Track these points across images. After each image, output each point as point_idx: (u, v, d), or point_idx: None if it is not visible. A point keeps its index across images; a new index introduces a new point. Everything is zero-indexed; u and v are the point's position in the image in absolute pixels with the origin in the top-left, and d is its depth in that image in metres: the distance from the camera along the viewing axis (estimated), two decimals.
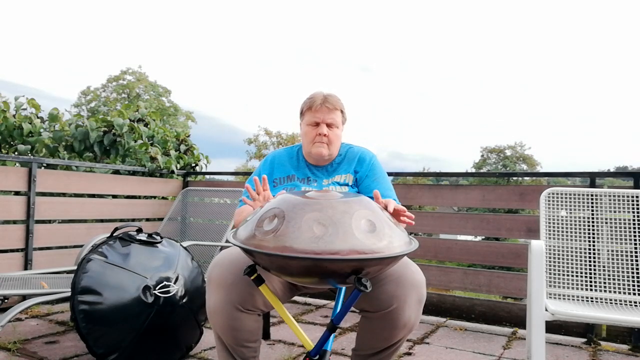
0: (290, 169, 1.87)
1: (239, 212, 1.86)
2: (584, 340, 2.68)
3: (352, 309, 1.38)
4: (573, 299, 2.08)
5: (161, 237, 2.20)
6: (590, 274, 2.11)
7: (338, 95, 1.86)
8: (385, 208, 1.40)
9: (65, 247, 3.33)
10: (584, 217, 2.18)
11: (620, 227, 2.14)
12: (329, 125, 1.80)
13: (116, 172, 3.91)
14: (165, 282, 2.02)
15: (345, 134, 1.92)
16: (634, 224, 2.13)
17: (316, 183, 1.83)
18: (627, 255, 2.11)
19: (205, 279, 1.90)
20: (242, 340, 1.54)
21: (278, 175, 1.88)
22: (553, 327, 2.75)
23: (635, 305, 2.01)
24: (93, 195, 3.62)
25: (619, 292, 2.06)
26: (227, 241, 3.25)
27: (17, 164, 3.43)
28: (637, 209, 2.13)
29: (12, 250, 3.04)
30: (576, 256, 2.13)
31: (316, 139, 1.80)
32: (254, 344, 1.58)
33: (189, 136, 4.77)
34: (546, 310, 1.76)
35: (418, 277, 1.50)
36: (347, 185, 1.83)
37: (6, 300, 2.20)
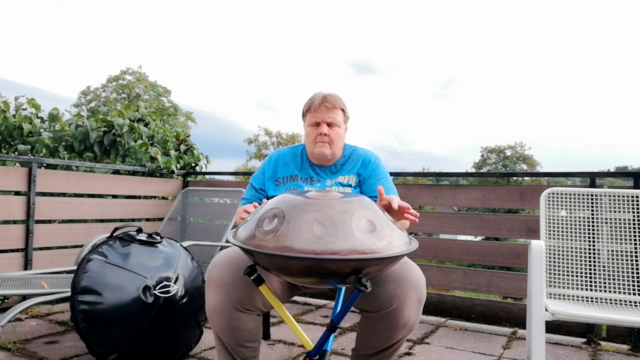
0: (293, 169, 1.87)
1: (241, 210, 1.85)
2: (584, 340, 2.68)
3: (352, 309, 1.38)
4: (573, 299, 2.08)
5: (161, 237, 2.20)
6: (590, 274, 2.11)
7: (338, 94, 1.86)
8: (389, 205, 1.42)
9: (65, 247, 3.33)
10: (584, 217, 2.18)
11: (620, 227, 2.14)
12: (329, 125, 1.80)
13: (116, 172, 3.91)
14: (165, 282, 2.02)
15: (346, 134, 1.92)
16: (634, 224, 2.12)
17: (319, 183, 1.82)
18: (627, 255, 2.11)
19: (205, 279, 1.90)
20: (241, 340, 1.54)
21: (281, 175, 1.87)
22: (553, 327, 2.75)
23: (635, 305, 2.01)
24: (93, 195, 3.62)
25: (619, 292, 2.06)
26: (227, 241, 3.25)
27: (17, 164, 3.43)
28: (637, 209, 2.13)
29: (12, 250, 3.04)
30: (576, 256, 2.13)
31: (317, 138, 1.80)
32: (254, 344, 1.58)
33: (189, 136, 4.77)
34: (546, 310, 1.76)
35: (418, 277, 1.50)
36: (349, 186, 1.82)
37: (6, 300, 2.20)
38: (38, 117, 4.00)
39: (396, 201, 1.43)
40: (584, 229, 2.16)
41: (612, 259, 2.12)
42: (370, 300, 1.46)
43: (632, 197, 2.15)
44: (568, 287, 2.10)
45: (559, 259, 2.14)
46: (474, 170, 40.78)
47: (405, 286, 1.46)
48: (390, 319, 1.46)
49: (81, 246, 2.80)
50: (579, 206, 2.20)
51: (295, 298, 3.45)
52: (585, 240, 2.15)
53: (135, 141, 4.21)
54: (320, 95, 1.82)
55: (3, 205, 2.99)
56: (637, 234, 2.11)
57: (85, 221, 3.50)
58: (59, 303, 3.04)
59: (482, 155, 42.93)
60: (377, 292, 1.45)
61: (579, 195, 2.21)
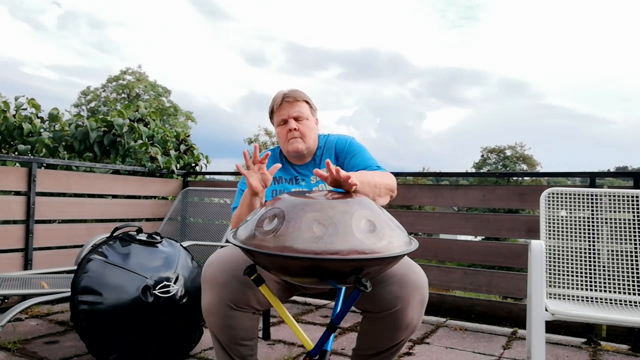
0: (276, 171, 1.85)
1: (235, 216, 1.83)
2: (584, 340, 2.68)
3: (354, 309, 1.38)
4: (573, 299, 2.08)
5: (161, 237, 2.20)
6: (590, 274, 2.11)
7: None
8: (338, 177, 1.35)
9: (65, 247, 3.33)
10: (584, 217, 2.18)
11: (620, 227, 2.14)
12: (297, 119, 1.77)
13: (116, 172, 3.91)
14: (165, 282, 2.02)
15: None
16: (634, 224, 2.12)
17: (304, 182, 1.80)
18: (627, 255, 2.11)
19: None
20: (237, 339, 1.53)
21: None
22: (553, 327, 2.75)
23: (635, 305, 2.01)
24: (93, 195, 3.62)
25: (619, 292, 2.06)
26: (227, 241, 3.24)
27: (17, 164, 3.43)
28: (637, 209, 2.13)
29: (12, 250, 3.04)
30: (576, 256, 2.13)
31: (288, 135, 1.77)
32: (250, 342, 1.58)
33: (189, 136, 4.78)
34: (546, 310, 1.76)
35: (421, 278, 1.49)
36: None
37: (6, 300, 2.20)
38: (38, 117, 4.01)
39: (342, 171, 1.34)
40: (584, 229, 2.16)
41: (612, 259, 2.12)
42: (374, 301, 1.46)
43: (632, 197, 2.15)
44: (568, 287, 2.10)
45: (559, 259, 2.14)
46: (474, 170, 40.81)
47: (408, 287, 1.45)
48: (393, 320, 1.46)
49: (81, 246, 2.80)
50: (579, 206, 2.20)
51: (295, 298, 3.45)
52: (585, 240, 2.15)
53: (135, 141, 4.22)
54: (281, 93, 1.80)
55: (3, 205, 2.99)
56: (637, 234, 2.11)
57: (85, 221, 3.50)
58: (59, 303, 3.04)
59: (482, 155, 42.96)
60: (381, 293, 1.44)
61: (579, 195, 2.21)
